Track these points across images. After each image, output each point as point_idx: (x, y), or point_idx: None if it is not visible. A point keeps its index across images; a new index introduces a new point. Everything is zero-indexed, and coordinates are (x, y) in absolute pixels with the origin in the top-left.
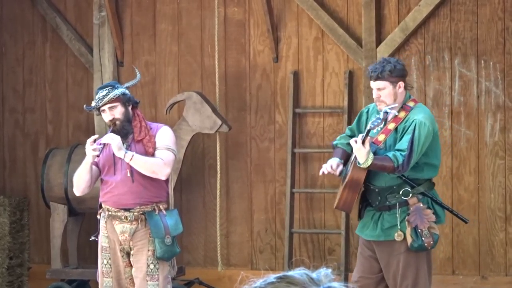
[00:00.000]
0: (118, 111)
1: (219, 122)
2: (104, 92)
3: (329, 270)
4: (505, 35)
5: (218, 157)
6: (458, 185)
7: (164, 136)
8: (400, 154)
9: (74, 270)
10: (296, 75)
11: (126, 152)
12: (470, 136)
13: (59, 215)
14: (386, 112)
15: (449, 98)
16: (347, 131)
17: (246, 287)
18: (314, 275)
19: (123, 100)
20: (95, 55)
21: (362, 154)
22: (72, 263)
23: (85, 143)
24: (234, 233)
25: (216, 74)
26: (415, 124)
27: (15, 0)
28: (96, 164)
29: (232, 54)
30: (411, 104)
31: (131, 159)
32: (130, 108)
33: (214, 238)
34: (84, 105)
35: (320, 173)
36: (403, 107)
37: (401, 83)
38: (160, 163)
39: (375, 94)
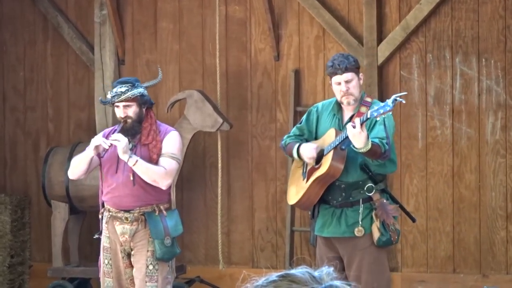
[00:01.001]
0: (132, 110)
1: (220, 120)
2: (123, 88)
3: (331, 269)
4: (506, 33)
5: (219, 156)
6: (459, 183)
7: (171, 142)
8: (384, 141)
9: (75, 268)
10: (297, 73)
11: (130, 156)
12: (471, 135)
13: (60, 213)
14: (396, 100)
15: (450, 97)
16: (296, 131)
17: (248, 285)
18: (316, 273)
19: (140, 101)
20: (96, 53)
21: (361, 139)
22: (73, 261)
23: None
24: (235, 231)
25: (217, 72)
26: (383, 117)
27: None
28: (98, 155)
29: (233, 52)
30: (368, 99)
31: (134, 164)
32: (144, 109)
33: (215, 237)
34: (100, 98)
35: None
36: (363, 102)
37: (362, 75)
38: (162, 173)
39: (343, 87)
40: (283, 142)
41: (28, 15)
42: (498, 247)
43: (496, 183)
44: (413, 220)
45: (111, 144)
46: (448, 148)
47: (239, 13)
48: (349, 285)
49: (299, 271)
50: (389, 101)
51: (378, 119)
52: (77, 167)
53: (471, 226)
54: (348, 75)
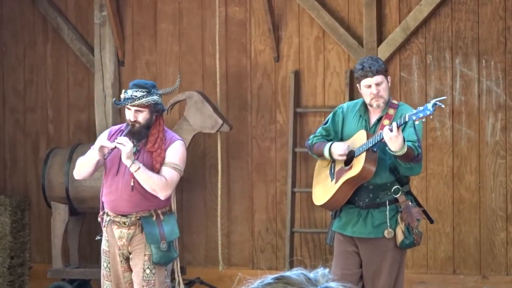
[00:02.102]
0: (142, 116)
1: (220, 121)
2: (138, 93)
3: (327, 270)
4: (506, 35)
5: (219, 157)
6: (459, 184)
7: (175, 152)
8: (416, 144)
9: (75, 269)
10: (297, 74)
11: (133, 162)
12: (471, 136)
13: (60, 215)
14: (435, 104)
15: (450, 98)
16: (322, 131)
17: None
18: (311, 275)
19: (152, 109)
20: (96, 54)
21: (398, 142)
22: (73, 262)
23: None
24: (235, 232)
25: (217, 73)
26: (413, 119)
27: (16, 0)
28: (103, 156)
29: (233, 53)
30: (395, 101)
31: (136, 170)
32: (155, 116)
33: (215, 238)
34: (114, 99)
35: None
36: (390, 104)
37: (389, 78)
38: (163, 184)
39: (374, 90)
40: (309, 141)
41: (28, 16)
42: (498, 248)
43: (496, 184)
44: (432, 221)
45: (115, 146)
46: (448, 149)
47: (239, 14)
48: (345, 286)
49: (294, 273)
50: (429, 106)
51: (417, 122)
52: (83, 168)
53: (471, 227)
54: (379, 78)
